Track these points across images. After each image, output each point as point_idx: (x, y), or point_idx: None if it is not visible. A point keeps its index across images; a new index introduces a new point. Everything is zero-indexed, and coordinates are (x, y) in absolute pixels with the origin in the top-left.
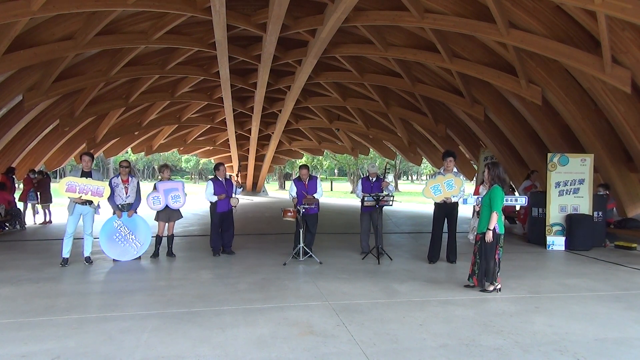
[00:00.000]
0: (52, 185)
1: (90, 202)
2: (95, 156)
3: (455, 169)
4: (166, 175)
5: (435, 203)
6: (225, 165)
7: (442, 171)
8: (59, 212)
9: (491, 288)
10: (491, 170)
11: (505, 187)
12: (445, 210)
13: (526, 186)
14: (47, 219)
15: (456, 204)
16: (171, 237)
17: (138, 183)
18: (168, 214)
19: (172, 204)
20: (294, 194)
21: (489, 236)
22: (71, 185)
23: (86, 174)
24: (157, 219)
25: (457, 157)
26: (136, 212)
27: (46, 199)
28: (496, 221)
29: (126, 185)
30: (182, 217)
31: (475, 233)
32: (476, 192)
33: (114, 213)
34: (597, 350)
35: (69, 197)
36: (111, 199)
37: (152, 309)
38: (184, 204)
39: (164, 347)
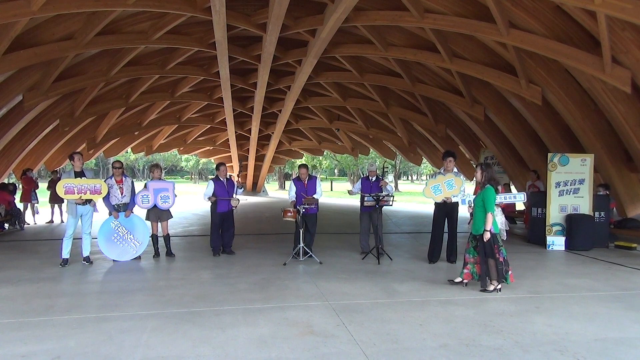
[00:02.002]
0: None
1: (90, 201)
2: (95, 156)
3: (455, 169)
4: (156, 174)
5: (435, 203)
6: (227, 165)
7: (442, 171)
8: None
9: (491, 288)
10: (485, 172)
11: (497, 187)
12: (446, 210)
13: (527, 185)
14: (60, 219)
15: (456, 203)
16: (167, 237)
17: (132, 182)
18: (157, 214)
19: (160, 204)
20: (294, 194)
21: (487, 236)
22: (69, 187)
23: (79, 174)
24: (147, 218)
25: (457, 157)
26: (132, 212)
27: (57, 198)
28: (492, 221)
29: (120, 185)
30: (172, 217)
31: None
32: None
33: (110, 214)
34: (597, 350)
35: (69, 200)
36: (107, 200)
37: (152, 309)
38: (172, 205)
39: (164, 347)
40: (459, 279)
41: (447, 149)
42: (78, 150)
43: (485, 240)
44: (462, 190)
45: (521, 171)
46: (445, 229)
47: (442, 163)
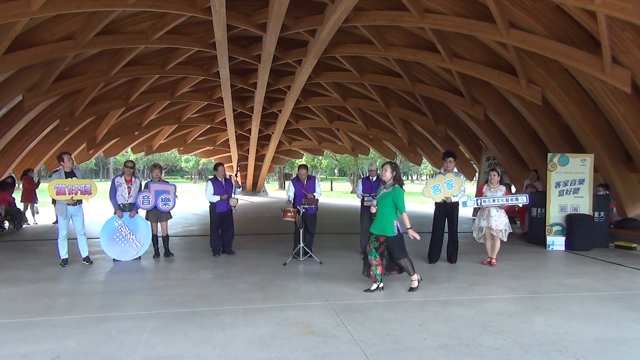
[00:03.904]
0: None
1: (80, 202)
2: (95, 156)
3: (455, 169)
4: (156, 175)
5: (435, 203)
6: (225, 165)
7: (442, 171)
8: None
9: (415, 284)
10: (395, 172)
11: (403, 187)
12: (446, 210)
13: (525, 185)
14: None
15: (456, 203)
16: (166, 237)
17: (140, 183)
18: (157, 215)
19: (161, 206)
20: (292, 194)
21: (415, 234)
22: (60, 188)
23: (69, 174)
24: (146, 218)
25: (457, 158)
26: (137, 213)
27: None
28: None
29: (129, 185)
30: (171, 217)
31: (478, 232)
32: (479, 193)
33: (115, 212)
34: (597, 350)
35: (59, 200)
36: (113, 198)
37: (152, 309)
38: (172, 207)
39: (164, 347)
40: (374, 286)
41: (447, 149)
42: (78, 150)
43: (414, 237)
44: (462, 190)
45: (521, 171)
46: (446, 229)
47: (442, 163)
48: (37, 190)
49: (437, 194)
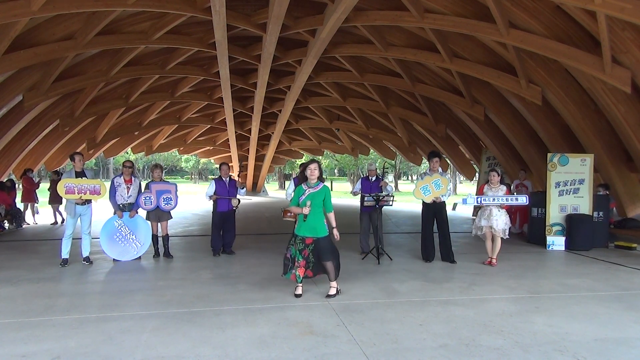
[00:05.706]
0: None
1: (89, 202)
2: (95, 156)
3: (440, 169)
4: (157, 175)
5: (423, 203)
6: (229, 165)
7: (428, 172)
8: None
9: (333, 291)
10: (320, 170)
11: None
12: (434, 210)
13: (515, 184)
14: (60, 220)
15: (444, 203)
16: (166, 237)
17: (140, 183)
18: (158, 215)
19: (163, 206)
20: (291, 191)
21: (337, 234)
22: (69, 187)
23: (79, 174)
24: (147, 218)
25: (442, 157)
26: (137, 212)
27: (57, 199)
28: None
29: (128, 185)
30: (171, 217)
31: (478, 230)
32: (480, 193)
33: (115, 213)
34: (597, 350)
35: (68, 199)
36: (112, 198)
37: (152, 309)
38: (175, 206)
39: (164, 347)
40: (333, 291)
41: (431, 150)
42: (78, 150)
43: (337, 237)
44: (449, 189)
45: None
46: (436, 229)
47: (441, 163)
48: (37, 190)
49: (427, 194)
